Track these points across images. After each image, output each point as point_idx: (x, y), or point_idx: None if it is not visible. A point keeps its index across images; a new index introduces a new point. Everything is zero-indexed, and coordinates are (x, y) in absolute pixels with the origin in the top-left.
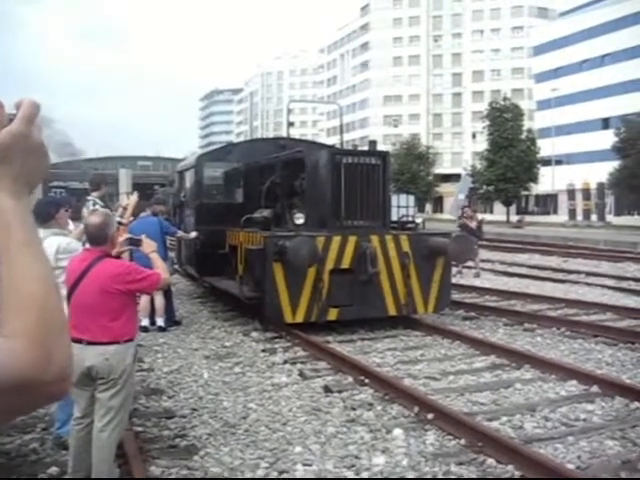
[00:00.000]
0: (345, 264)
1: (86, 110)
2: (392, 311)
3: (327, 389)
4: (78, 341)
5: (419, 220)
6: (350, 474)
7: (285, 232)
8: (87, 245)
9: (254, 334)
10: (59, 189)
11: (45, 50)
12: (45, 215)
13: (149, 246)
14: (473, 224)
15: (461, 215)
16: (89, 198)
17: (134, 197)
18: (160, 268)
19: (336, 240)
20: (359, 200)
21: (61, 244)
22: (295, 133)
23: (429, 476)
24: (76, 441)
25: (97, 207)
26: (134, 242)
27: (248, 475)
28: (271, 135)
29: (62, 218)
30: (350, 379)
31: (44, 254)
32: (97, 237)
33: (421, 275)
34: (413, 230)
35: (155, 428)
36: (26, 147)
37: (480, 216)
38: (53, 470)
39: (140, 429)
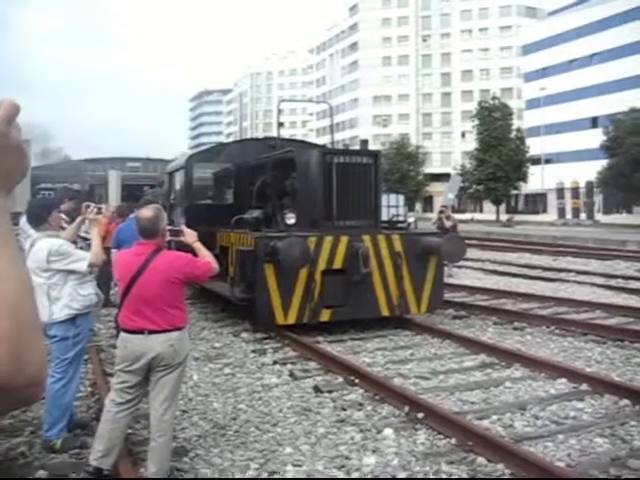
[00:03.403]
0: (337, 264)
1: (74, 111)
2: (385, 312)
3: (317, 389)
4: (139, 332)
5: (411, 219)
6: (341, 474)
7: (276, 232)
8: (140, 239)
9: (244, 335)
10: (47, 191)
11: (30, 52)
12: (38, 218)
13: (191, 236)
14: (448, 224)
15: (438, 218)
16: None
17: (107, 210)
18: (207, 257)
19: (328, 240)
20: (351, 200)
21: (53, 246)
22: (285, 133)
23: (420, 475)
24: (112, 424)
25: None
26: (174, 233)
27: (238, 476)
28: (261, 136)
29: (54, 220)
30: (340, 379)
31: (20, 256)
32: (150, 230)
33: (414, 275)
34: (404, 230)
35: (145, 430)
36: (4, 147)
37: (457, 216)
38: (41, 473)
39: (129, 431)
